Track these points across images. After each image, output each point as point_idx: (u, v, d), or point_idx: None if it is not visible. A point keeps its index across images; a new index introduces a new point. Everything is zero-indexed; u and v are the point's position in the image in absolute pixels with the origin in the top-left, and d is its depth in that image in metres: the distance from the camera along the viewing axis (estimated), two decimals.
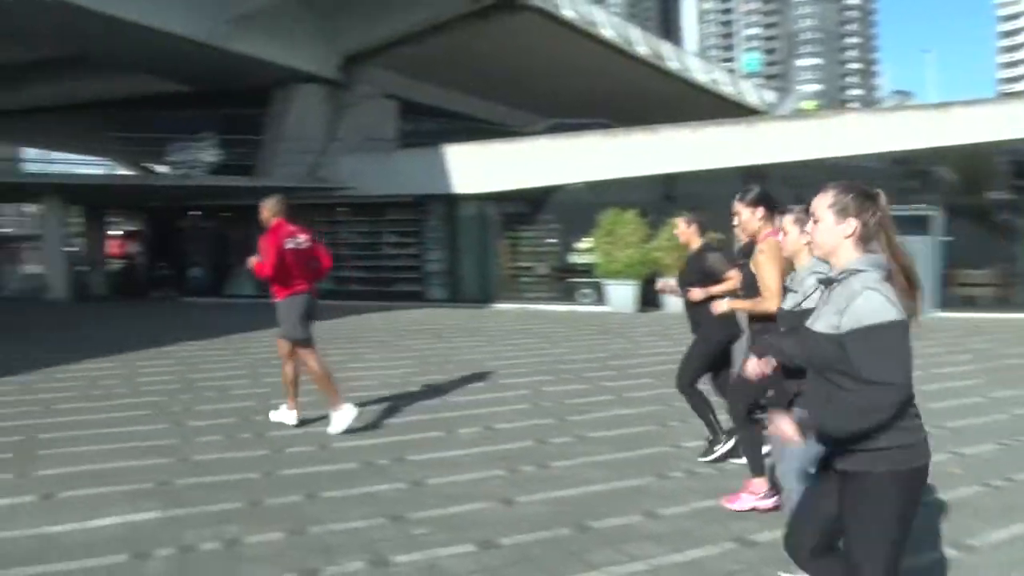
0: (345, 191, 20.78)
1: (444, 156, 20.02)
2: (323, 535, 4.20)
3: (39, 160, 39.37)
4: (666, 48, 33.97)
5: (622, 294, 16.98)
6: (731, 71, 51.96)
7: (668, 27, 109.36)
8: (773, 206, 4.46)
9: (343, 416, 6.33)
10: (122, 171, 32.79)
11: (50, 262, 22.76)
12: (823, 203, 2.58)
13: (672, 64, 32.82)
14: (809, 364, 2.66)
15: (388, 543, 4.08)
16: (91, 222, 26.20)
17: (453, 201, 20.27)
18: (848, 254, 2.54)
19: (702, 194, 12.23)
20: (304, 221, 7.08)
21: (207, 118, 24.98)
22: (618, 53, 28.56)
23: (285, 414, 6.61)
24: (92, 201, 25.12)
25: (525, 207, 19.66)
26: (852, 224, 2.53)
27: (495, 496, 4.79)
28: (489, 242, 20.20)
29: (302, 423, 6.55)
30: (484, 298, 19.41)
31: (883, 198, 2.58)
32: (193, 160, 23.63)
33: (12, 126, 31.56)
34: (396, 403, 7.45)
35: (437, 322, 14.95)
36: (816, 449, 2.73)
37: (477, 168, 19.60)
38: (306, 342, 6.49)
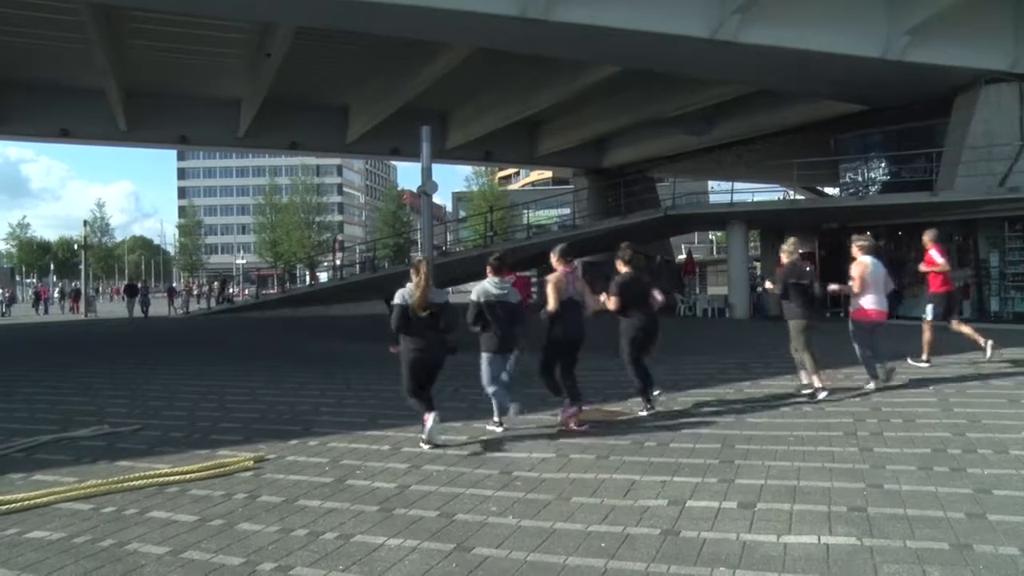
0: None
1: None
2: None
3: (721, 191, 43.63)
4: None
5: None
6: None
7: None
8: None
9: None
10: (796, 195, 34.21)
11: (733, 283, 24.78)
12: None
13: None
14: None
15: None
16: (767, 245, 27.90)
17: None
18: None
19: None
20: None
21: (877, 136, 24.53)
22: None
23: None
24: (769, 225, 26.75)
25: None
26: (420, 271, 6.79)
27: None
28: None
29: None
30: None
31: (424, 265, 6.69)
32: (865, 179, 23.37)
33: (700, 163, 35.73)
34: None
35: None
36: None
37: None
38: None
